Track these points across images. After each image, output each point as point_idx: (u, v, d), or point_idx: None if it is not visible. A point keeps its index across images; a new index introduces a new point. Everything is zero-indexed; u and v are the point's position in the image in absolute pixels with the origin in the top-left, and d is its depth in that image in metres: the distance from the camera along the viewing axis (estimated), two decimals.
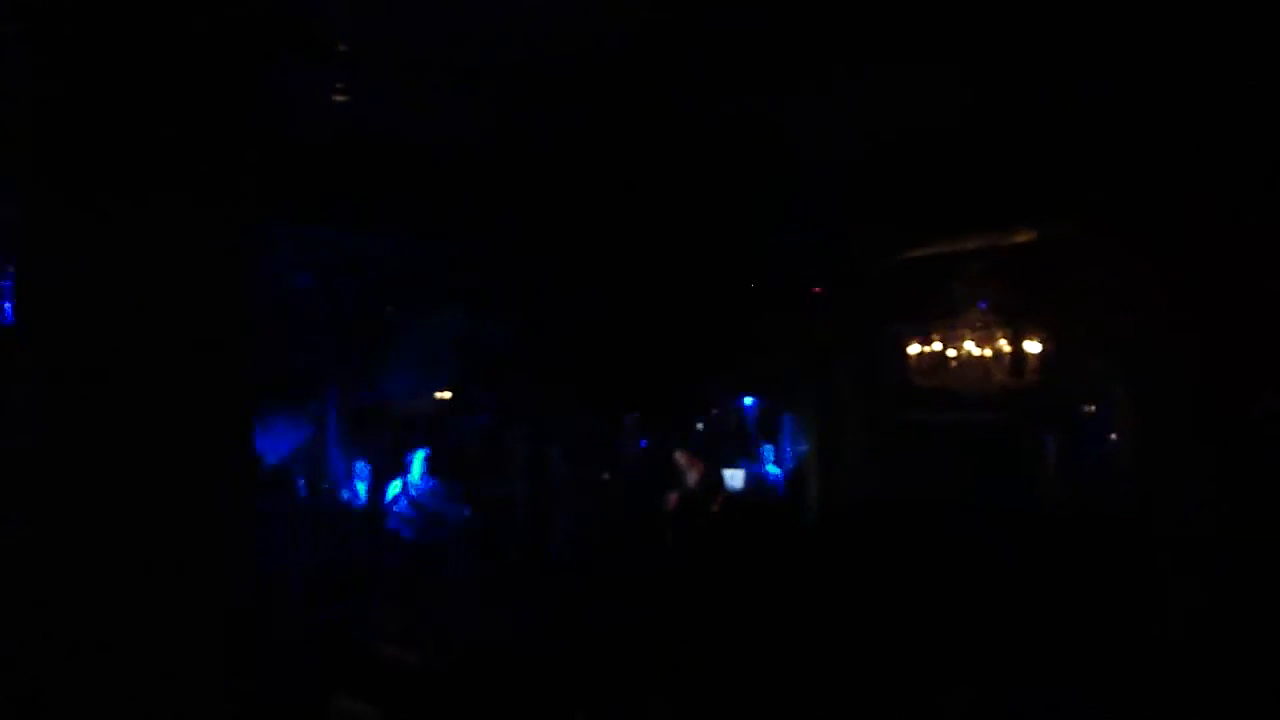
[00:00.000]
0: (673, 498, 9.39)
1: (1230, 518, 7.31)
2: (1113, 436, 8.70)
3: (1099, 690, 5.96)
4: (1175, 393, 7.90)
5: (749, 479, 11.07)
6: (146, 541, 3.12)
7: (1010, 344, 8.42)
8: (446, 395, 12.92)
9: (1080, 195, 7.57)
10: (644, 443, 11.62)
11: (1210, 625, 7.11)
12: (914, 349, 8.62)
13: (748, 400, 12.98)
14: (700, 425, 12.62)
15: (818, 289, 10.24)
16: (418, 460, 9.95)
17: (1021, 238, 8.72)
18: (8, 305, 6.41)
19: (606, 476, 10.51)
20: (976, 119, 6.83)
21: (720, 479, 10.55)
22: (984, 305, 8.46)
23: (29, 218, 3.24)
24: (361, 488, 10.31)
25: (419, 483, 9.83)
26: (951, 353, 8.49)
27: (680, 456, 9.86)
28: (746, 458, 11.79)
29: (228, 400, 3.29)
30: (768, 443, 12.08)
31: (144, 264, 3.19)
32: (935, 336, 8.51)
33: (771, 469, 11.71)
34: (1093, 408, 9.01)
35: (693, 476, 9.76)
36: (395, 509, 9.74)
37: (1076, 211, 7.84)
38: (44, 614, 3.05)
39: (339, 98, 5.69)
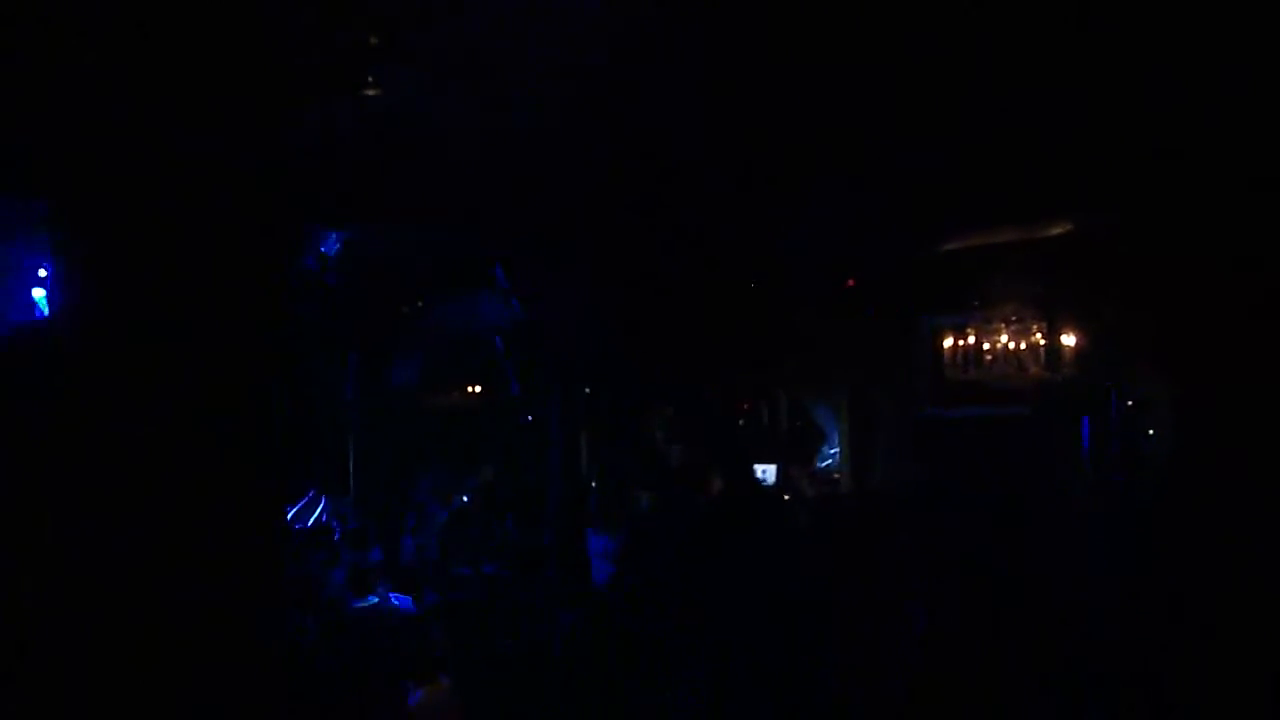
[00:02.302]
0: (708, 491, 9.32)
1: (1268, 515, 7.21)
2: (1150, 432, 8.61)
3: (1124, 686, 5.91)
4: (1213, 387, 7.81)
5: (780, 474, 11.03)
6: (175, 541, 3.11)
7: (1046, 338, 8.35)
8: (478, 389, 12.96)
9: (1117, 188, 7.48)
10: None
11: (1243, 624, 7.03)
12: (949, 343, 8.55)
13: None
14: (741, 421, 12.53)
15: (852, 282, 10.17)
16: None
17: (1057, 230, 8.63)
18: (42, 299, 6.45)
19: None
20: (1009, 108, 6.75)
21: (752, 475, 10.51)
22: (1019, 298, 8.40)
23: (64, 217, 3.24)
24: None
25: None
26: (986, 346, 8.43)
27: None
28: (779, 454, 11.73)
29: (261, 393, 3.28)
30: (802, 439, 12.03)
31: (181, 259, 3.18)
32: (970, 330, 8.44)
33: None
34: (1130, 403, 8.91)
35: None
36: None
37: (1113, 204, 7.75)
38: (62, 614, 3.05)
39: (370, 91, 5.66)
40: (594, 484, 10.73)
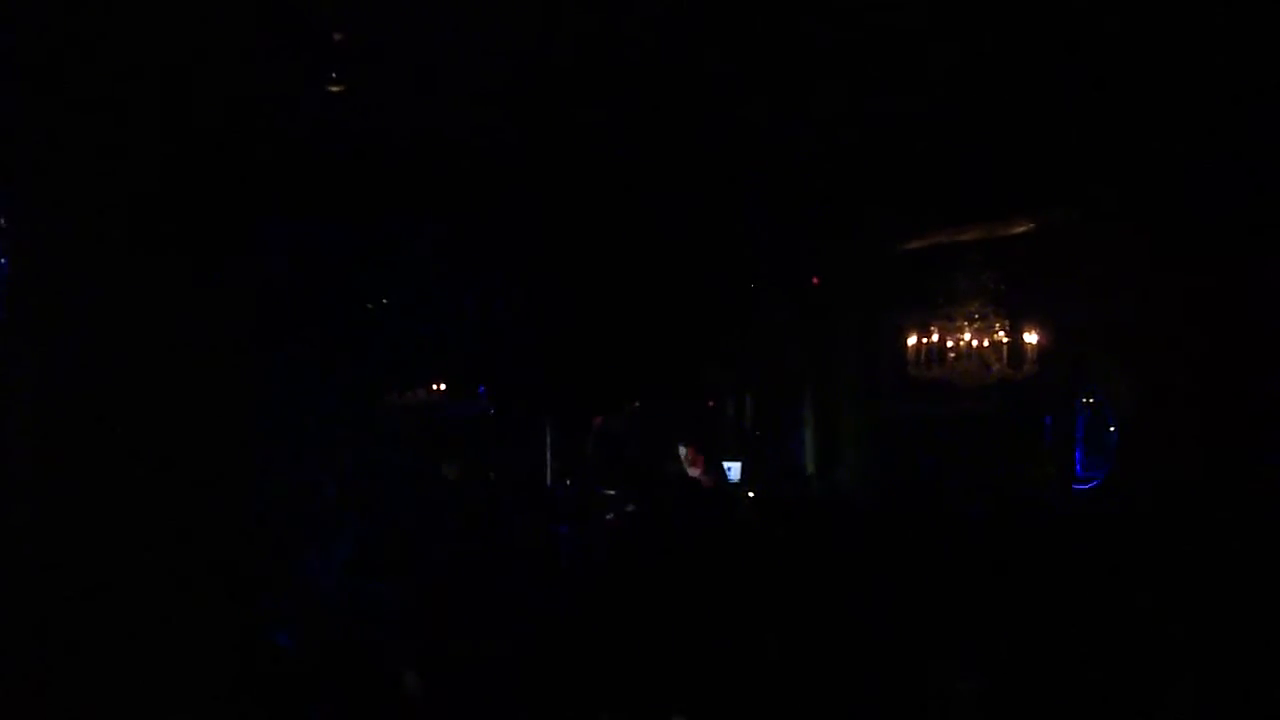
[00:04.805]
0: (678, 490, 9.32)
1: (1229, 510, 7.29)
2: (1112, 429, 8.69)
3: (1098, 680, 5.92)
4: (1176, 383, 7.89)
5: (746, 471, 11.02)
6: (144, 543, 3.08)
7: (1009, 335, 8.38)
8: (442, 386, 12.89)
9: (1079, 185, 7.54)
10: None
11: (1208, 621, 7.08)
12: (912, 340, 8.58)
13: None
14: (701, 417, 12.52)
15: (816, 279, 10.21)
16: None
17: (1020, 228, 8.70)
18: None
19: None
20: (974, 108, 6.80)
21: (721, 472, 10.53)
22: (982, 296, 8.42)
23: (21, 213, 3.20)
24: None
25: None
26: (950, 344, 8.46)
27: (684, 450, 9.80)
28: (745, 450, 11.72)
29: (231, 394, 3.24)
30: (768, 435, 12.03)
31: (137, 260, 3.15)
32: (934, 328, 8.47)
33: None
34: (1092, 399, 9.00)
35: (694, 470, 9.73)
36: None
37: (1075, 201, 7.82)
38: (41, 614, 3.02)
39: (334, 89, 5.64)
40: (563, 480, 10.71)
